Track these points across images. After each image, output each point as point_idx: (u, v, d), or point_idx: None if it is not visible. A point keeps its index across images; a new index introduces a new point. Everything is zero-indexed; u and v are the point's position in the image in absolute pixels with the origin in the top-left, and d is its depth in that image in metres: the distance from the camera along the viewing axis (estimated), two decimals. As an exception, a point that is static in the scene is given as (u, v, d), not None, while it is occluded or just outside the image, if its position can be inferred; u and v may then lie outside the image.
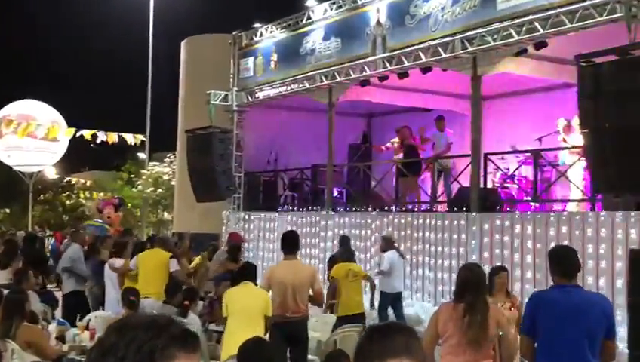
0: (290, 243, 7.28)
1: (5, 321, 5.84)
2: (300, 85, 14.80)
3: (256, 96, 16.31)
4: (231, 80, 17.00)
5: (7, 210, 34.47)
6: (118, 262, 9.41)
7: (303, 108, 16.85)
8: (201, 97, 17.08)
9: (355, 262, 10.08)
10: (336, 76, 13.76)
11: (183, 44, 21.33)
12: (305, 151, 16.78)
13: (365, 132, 18.14)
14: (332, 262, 10.21)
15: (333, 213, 14.04)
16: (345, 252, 10.10)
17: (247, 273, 7.02)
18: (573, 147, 11.21)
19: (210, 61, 19.21)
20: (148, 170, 29.09)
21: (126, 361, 1.30)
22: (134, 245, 10.25)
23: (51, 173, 33.08)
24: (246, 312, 6.56)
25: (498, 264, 8.56)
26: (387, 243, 10.54)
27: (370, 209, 13.42)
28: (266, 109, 16.84)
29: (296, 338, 7.00)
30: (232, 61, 17.08)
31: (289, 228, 13.87)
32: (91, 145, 23.09)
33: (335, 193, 14.89)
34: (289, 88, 15.20)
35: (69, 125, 22.80)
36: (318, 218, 14.21)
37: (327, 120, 14.34)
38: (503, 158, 12.63)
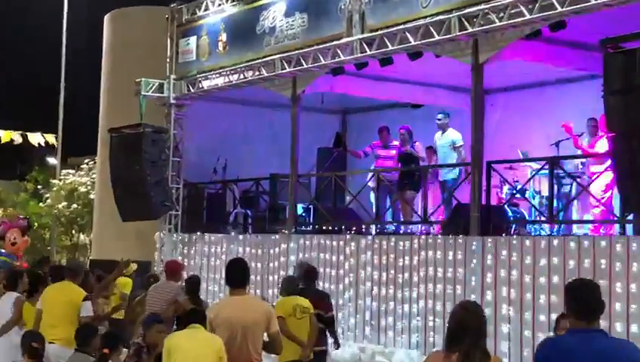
0: (237, 274, 7.21)
1: None
2: (256, 73, 14.82)
3: (200, 86, 16.30)
4: (167, 65, 16.97)
5: None
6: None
7: (259, 102, 16.89)
8: (129, 87, 17.01)
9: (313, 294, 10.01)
10: (302, 62, 13.79)
11: (106, 18, 21.20)
12: (262, 157, 16.79)
13: (339, 132, 18.18)
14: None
15: (296, 234, 14.05)
16: (290, 282, 10.02)
17: (196, 313, 7.02)
18: (596, 155, 11.40)
19: (142, 41, 19.13)
20: (60, 180, 28.80)
21: None
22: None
23: None
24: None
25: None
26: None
27: (343, 230, 13.45)
28: (213, 103, 16.87)
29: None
30: (168, 41, 17.05)
31: (239, 255, 13.92)
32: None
33: (300, 210, 14.91)
34: (242, 77, 15.21)
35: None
36: (277, 241, 14.22)
37: (291, 117, 14.38)
38: (511, 168, 12.75)
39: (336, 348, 10.93)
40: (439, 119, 13.98)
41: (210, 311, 7.26)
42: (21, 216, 19.51)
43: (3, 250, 15.96)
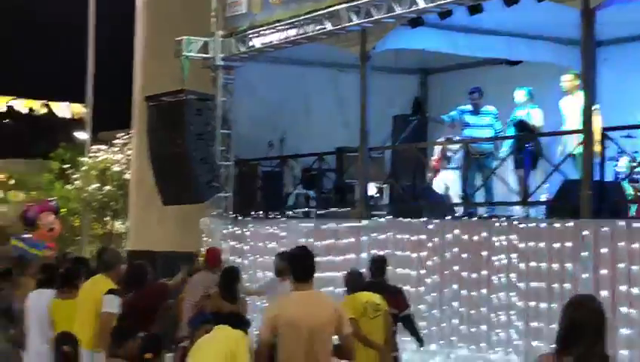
0: (303, 265, 7.25)
1: None
2: (318, 27, 14.75)
3: (252, 44, 16.27)
4: (213, 20, 16.99)
5: None
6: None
7: (322, 62, 16.83)
8: (167, 47, 17.08)
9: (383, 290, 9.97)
10: (373, 12, 13.69)
11: (140, -33, 21.36)
12: (325, 127, 16.76)
13: (417, 97, 18.07)
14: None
15: (367, 220, 14.00)
16: (356, 277, 9.97)
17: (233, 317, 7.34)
18: None
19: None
20: (90, 158, 29.23)
21: None
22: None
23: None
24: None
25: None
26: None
27: (425, 214, 13.40)
28: (267, 65, 16.87)
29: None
30: (213, -8, 17.09)
31: (300, 243, 13.91)
32: (4, 120, 23.24)
33: (372, 190, 14.82)
34: (301, 32, 15.15)
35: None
36: (345, 228, 14.19)
37: (360, 80, 14.29)
38: (629, 136, 12.50)
39: (421, 346, 10.92)
40: (567, 81, 13.65)
41: (270, 310, 7.32)
42: (49, 199, 19.88)
43: (26, 236, 16.22)
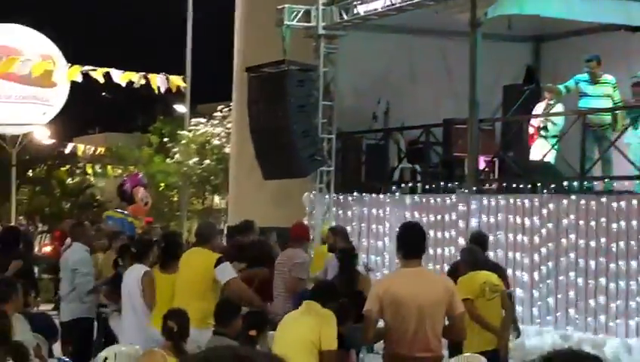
0: (413, 241, 7.24)
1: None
2: (426, -7, 14.60)
3: (356, 11, 16.14)
4: (315, -12, 16.94)
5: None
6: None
7: (429, 30, 16.64)
8: (268, 16, 17.08)
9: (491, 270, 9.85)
10: (484, -24, 13.46)
11: None
12: (432, 98, 16.61)
13: (530, 65, 17.74)
14: (454, 272, 10.05)
15: (478, 194, 13.84)
16: (474, 254, 9.84)
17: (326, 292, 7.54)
18: None
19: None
20: (189, 131, 29.52)
21: None
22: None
23: (44, 137, 34.13)
24: (289, 346, 7.02)
25: None
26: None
27: (538, 188, 13.19)
28: (371, 33, 16.77)
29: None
30: (315, -42, 17.01)
31: (405, 219, 13.86)
32: (103, 93, 23.52)
33: (482, 164, 14.67)
34: (407, -1, 15.00)
35: (71, 62, 23.28)
36: (454, 202, 14.10)
37: (469, 48, 14.09)
38: None
39: (517, 337, 10.75)
40: None
41: (378, 286, 7.28)
42: (136, 173, 20.19)
43: (124, 211, 16.48)
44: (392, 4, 15.30)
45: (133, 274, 9.59)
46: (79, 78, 21.34)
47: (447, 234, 14.16)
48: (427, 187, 15.53)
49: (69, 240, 14.11)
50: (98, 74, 20.63)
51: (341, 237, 12.15)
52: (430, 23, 15.96)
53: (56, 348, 10.17)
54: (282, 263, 10.60)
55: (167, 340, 7.19)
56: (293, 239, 10.75)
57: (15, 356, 6.31)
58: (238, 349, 1.71)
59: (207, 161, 28.11)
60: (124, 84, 21.44)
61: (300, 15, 16.69)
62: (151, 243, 10.05)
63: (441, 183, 15.17)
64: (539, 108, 14.95)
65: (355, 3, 16.10)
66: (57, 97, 24.86)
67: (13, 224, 22.60)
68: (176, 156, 29.48)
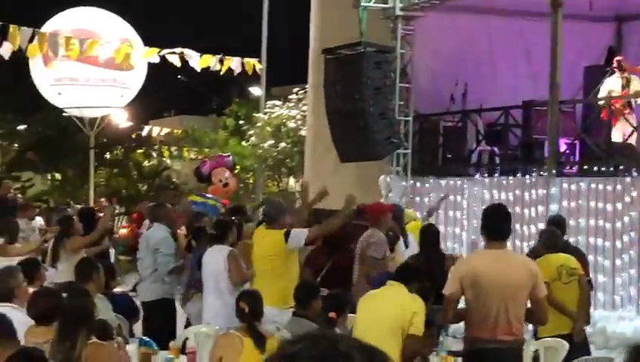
0: (498, 222, 7.26)
1: (66, 337, 6.12)
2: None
3: (433, -8, 16.15)
4: (392, -32, 16.94)
5: (59, 176, 36.53)
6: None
7: (508, 10, 16.57)
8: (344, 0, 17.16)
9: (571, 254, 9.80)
10: (564, -45, 13.38)
11: None
12: (511, 80, 16.55)
13: (612, 46, 17.56)
14: (533, 255, 10.03)
15: (559, 177, 13.77)
16: (553, 236, 9.81)
17: (410, 272, 7.55)
18: None
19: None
20: (265, 114, 29.69)
21: None
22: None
23: (121, 120, 34.58)
24: (373, 328, 6.96)
25: None
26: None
27: (621, 171, 13.11)
28: (449, 14, 16.76)
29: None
30: (393, -61, 17.01)
31: (484, 202, 13.87)
32: (179, 76, 23.79)
33: (562, 146, 14.59)
34: (486, -22, 14.97)
35: (148, 45, 23.55)
36: (534, 185, 14.10)
37: (550, 28, 13.99)
38: None
39: (586, 324, 10.72)
40: None
41: (459, 267, 7.30)
42: (224, 154, 20.33)
43: (208, 194, 16.67)
44: (471, -16, 15.31)
45: (217, 255, 9.69)
46: (156, 59, 21.60)
47: (526, 216, 14.15)
48: (506, 169, 15.50)
49: (147, 221, 14.38)
50: (174, 57, 20.87)
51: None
52: (509, 3, 15.91)
53: (137, 328, 10.37)
54: (360, 244, 10.67)
55: (241, 321, 7.26)
56: (372, 219, 10.76)
57: (99, 334, 6.47)
58: (337, 342, 1.60)
59: (283, 144, 28.19)
60: (199, 69, 21.63)
61: (376, -4, 16.74)
62: (230, 225, 10.17)
63: (520, 166, 15.14)
64: (611, 83, 14.73)
65: (433, -17, 16.12)
66: (135, 80, 25.17)
67: (91, 205, 22.96)
68: (252, 139, 29.59)
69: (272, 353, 1.56)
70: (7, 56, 18.46)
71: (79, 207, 18.56)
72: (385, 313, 7.22)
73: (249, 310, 7.24)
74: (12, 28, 17.56)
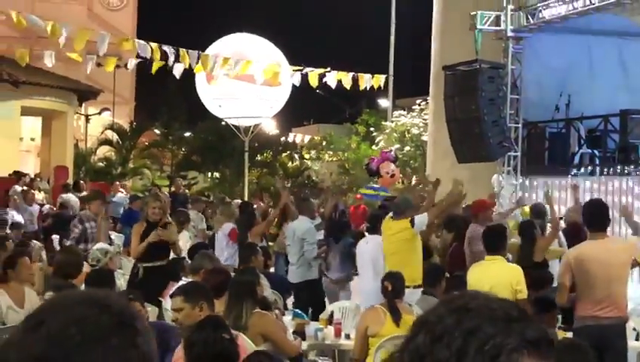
0: (599, 216, 7.20)
1: (234, 307, 6.32)
2: (604, -2, 14.26)
3: (541, 15, 15.95)
4: (504, -4, 16.83)
5: (218, 175, 37.34)
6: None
7: (606, 30, 16.24)
8: (462, 22, 17.11)
9: None
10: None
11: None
12: (609, 92, 16.23)
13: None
14: None
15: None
16: None
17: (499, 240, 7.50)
18: None
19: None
20: (392, 122, 29.76)
21: (462, 358, 1.34)
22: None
23: (270, 128, 35.21)
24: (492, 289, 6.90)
25: None
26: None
27: None
28: (553, 34, 16.51)
29: (607, 348, 6.87)
30: (505, -30, 16.89)
31: (585, 200, 13.63)
32: (316, 90, 24.03)
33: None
34: (588, 3, 14.68)
35: (292, 65, 23.93)
36: (629, 184, 13.82)
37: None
38: None
39: None
40: None
41: (569, 255, 7.27)
42: (387, 150, 20.54)
43: (376, 185, 16.91)
44: (574, 9, 15.06)
45: (373, 243, 9.69)
46: (298, 77, 21.85)
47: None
48: (605, 170, 15.22)
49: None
50: (313, 78, 21.09)
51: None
52: (608, 24, 15.58)
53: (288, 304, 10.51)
54: (466, 239, 10.60)
55: (384, 298, 7.29)
56: (475, 214, 10.63)
57: (261, 306, 6.68)
58: (465, 302, 1.47)
59: (407, 148, 28.22)
60: (333, 86, 21.80)
61: (490, 20, 16.65)
62: (380, 218, 10.06)
63: (618, 167, 14.84)
64: None
65: (540, 8, 15.93)
66: (281, 94, 25.59)
67: (246, 200, 23.42)
68: (381, 143, 29.71)
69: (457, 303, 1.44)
70: (178, 76, 19.00)
71: (238, 201, 18.94)
72: (496, 278, 7.15)
73: (391, 289, 7.30)
74: (182, 51, 18.01)
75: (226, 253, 11.26)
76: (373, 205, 14.96)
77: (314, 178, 36.82)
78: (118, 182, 26.09)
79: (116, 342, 1.39)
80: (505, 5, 16.64)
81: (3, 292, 6.87)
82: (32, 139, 34.64)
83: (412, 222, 9.10)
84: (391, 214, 9.61)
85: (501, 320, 1.37)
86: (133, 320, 1.44)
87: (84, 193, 18.22)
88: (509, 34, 16.56)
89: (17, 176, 22.98)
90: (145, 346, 1.43)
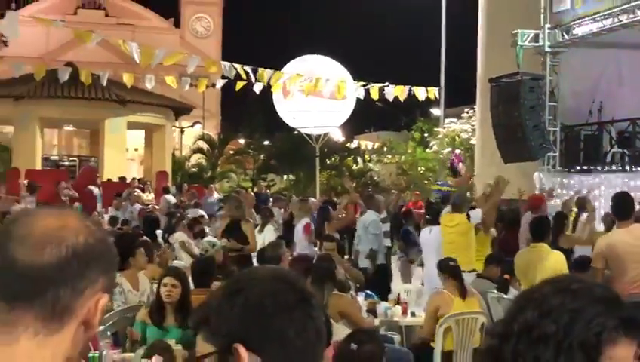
0: (625, 206, 7.11)
1: (316, 290, 6.46)
2: (632, 16, 14.05)
3: (574, 33, 15.81)
4: (542, 16, 16.68)
5: (293, 177, 37.63)
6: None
7: (634, 44, 16.01)
8: (504, 39, 17.00)
9: None
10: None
11: (480, -22, 21.32)
12: (637, 98, 15.99)
13: None
14: None
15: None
16: None
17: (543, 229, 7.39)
18: None
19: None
20: (443, 128, 29.62)
21: (568, 333, 1.34)
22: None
23: (338, 135, 35.32)
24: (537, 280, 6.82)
25: None
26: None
27: None
28: (586, 49, 16.34)
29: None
30: (542, -7, 16.78)
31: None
32: (377, 102, 24.17)
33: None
34: (616, 20, 14.51)
35: (356, 80, 24.05)
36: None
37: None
38: None
39: None
40: None
41: (600, 243, 7.20)
42: (457, 153, 20.67)
43: (442, 181, 17.02)
44: (604, 26, 14.91)
45: (435, 233, 9.58)
46: (361, 91, 21.91)
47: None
48: (634, 167, 15.00)
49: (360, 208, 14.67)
50: (374, 92, 21.11)
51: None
52: (635, 39, 15.34)
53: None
54: (522, 225, 10.52)
55: (453, 279, 7.15)
56: (532, 207, 10.62)
57: (339, 288, 6.78)
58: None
59: (457, 151, 28.10)
60: (391, 99, 21.77)
61: (530, 37, 16.55)
62: (439, 211, 10.02)
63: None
64: None
65: (574, 26, 15.78)
66: (347, 106, 25.70)
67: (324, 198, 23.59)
68: (434, 147, 29.65)
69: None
70: (258, 92, 19.22)
71: (313, 199, 19.08)
72: (540, 265, 7.07)
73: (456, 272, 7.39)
74: (260, 70, 18.24)
75: (302, 243, 11.39)
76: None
77: (375, 178, 36.82)
78: (212, 185, 26.50)
79: (298, 314, 1.44)
80: (543, 24, 16.53)
81: (123, 278, 7.12)
82: (136, 150, 35.39)
83: (468, 216, 9.10)
84: (449, 208, 9.59)
85: (601, 302, 1.37)
86: (311, 297, 1.49)
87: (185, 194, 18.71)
88: (547, 49, 16.45)
89: (122, 181, 23.49)
90: (318, 319, 1.48)
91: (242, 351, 1.39)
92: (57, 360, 1.35)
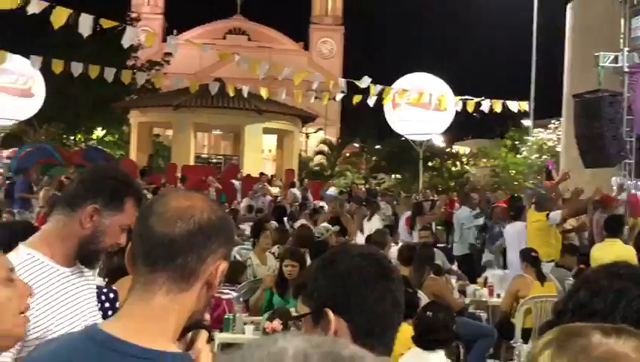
0: None
1: (417, 272, 6.56)
2: None
3: (650, 55, 15.06)
4: (621, 40, 15.98)
5: (399, 176, 37.58)
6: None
7: None
8: (588, 59, 16.39)
9: None
10: None
11: (568, 6, 20.65)
12: None
13: None
14: None
15: None
16: None
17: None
18: None
19: (598, 22, 18.28)
20: (532, 137, 28.88)
21: (613, 309, 1.36)
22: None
23: (439, 142, 34.93)
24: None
25: None
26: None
27: None
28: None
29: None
30: (622, 20, 16.03)
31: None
32: (474, 114, 23.84)
33: None
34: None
35: (455, 94, 23.75)
36: None
37: None
38: None
39: None
40: None
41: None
42: (550, 161, 20.34)
43: (534, 182, 16.71)
44: (679, 48, 14.11)
45: (518, 226, 9.34)
46: (460, 105, 21.52)
47: None
48: None
49: (457, 205, 14.55)
50: (471, 105, 20.69)
51: None
52: None
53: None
54: (595, 222, 10.09)
55: (532, 266, 7.05)
56: (606, 205, 10.17)
57: (435, 272, 6.81)
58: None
59: (545, 157, 27.34)
60: (487, 111, 21.24)
61: (610, 59, 15.88)
62: (522, 209, 9.68)
63: None
64: None
65: (649, 49, 15.05)
66: (447, 117, 25.39)
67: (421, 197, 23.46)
68: (524, 153, 28.99)
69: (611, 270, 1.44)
70: (371, 104, 19.24)
71: (409, 195, 19.01)
72: (613, 258, 6.83)
73: (530, 262, 7.25)
74: (373, 86, 18.27)
75: (404, 233, 11.38)
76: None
77: (471, 179, 36.25)
78: (330, 181, 26.79)
79: (379, 287, 1.46)
80: (622, 47, 15.87)
81: (254, 255, 7.40)
82: (270, 151, 36.27)
83: (547, 216, 8.84)
84: (534, 206, 9.34)
85: None
86: (391, 272, 1.50)
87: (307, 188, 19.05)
88: (625, 69, 15.72)
89: (262, 175, 24.11)
90: (397, 292, 1.48)
91: (331, 314, 1.41)
92: (184, 313, 1.42)
